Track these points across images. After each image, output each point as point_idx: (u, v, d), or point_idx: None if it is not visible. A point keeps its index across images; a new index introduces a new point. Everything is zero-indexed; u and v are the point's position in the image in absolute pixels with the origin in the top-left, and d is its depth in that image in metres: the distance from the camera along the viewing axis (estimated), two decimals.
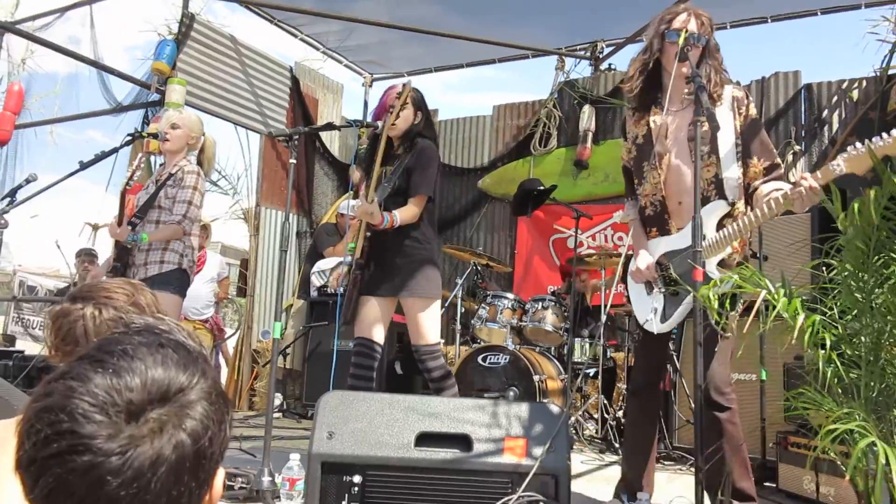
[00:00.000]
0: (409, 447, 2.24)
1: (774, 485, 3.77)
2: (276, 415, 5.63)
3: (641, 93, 3.03)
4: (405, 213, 3.66)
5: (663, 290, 2.97)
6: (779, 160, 2.93)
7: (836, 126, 6.52)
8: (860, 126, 6.24)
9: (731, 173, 2.87)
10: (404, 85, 3.70)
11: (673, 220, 2.97)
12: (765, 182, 2.85)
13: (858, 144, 2.29)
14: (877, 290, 2.02)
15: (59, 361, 1.68)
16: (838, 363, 1.85)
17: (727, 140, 2.87)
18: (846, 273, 1.99)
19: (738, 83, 2.96)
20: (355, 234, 3.81)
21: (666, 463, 4.59)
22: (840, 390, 1.93)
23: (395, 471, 2.23)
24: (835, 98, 6.57)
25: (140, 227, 4.09)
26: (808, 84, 6.68)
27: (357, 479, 2.22)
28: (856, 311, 2.03)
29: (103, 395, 0.77)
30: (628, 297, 3.26)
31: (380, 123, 3.76)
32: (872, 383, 1.87)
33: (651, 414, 3.19)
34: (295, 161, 3.21)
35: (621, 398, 5.45)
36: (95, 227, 8.60)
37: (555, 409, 2.32)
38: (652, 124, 3.00)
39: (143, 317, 1.25)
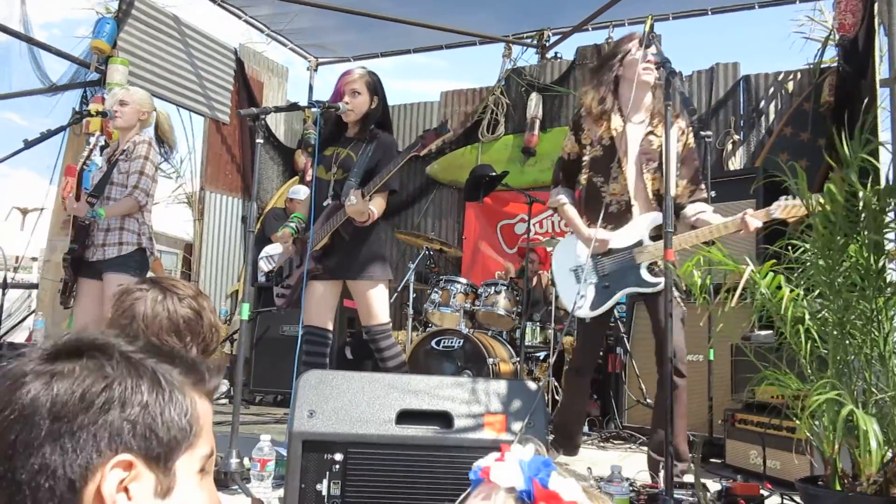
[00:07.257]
0: (391, 424, 2.25)
1: (722, 460, 3.91)
2: (222, 401, 5.56)
3: (604, 96, 3.28)
4: (379, 208, 3.73)
5: (595, 281, 3.30)
6: (703, 186, 3.38)
7: (772, 116, 6.76)
8: (795, 117, 6.50)
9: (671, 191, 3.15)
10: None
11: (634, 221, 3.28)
12: (691, 202, 3.32)
13: (792, 199, 2.76)
14: (837, 268, 2.13)
15: None
16: (816, 337, 1.96)
17: (671, 162, 3.14)
18: (812, 253, 2.09)
19: (678, 115, 3.27)
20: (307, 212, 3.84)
21: (616, 442, 4.72)
22: (808, 364, 2.03)
23: (376, 448, 2.23)
24: (771, 89, 6.82)
25: (98, 203, 3.99)
26: (746, 76, 6.91)
27: (338, 456, 2.22)
28: (819, 290, 2.14)
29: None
30: (552, 280, 3.49)
31: (341, 105, 3.74)
32: (838, 356, 1.98)
33: (587, 388, 3.77)
34: (262, 141, 3.17)
35: None
36: (24, 212, 8.31)
37: (532, 385, 2.37)
38: (613, 132, 3.28)
39: None
